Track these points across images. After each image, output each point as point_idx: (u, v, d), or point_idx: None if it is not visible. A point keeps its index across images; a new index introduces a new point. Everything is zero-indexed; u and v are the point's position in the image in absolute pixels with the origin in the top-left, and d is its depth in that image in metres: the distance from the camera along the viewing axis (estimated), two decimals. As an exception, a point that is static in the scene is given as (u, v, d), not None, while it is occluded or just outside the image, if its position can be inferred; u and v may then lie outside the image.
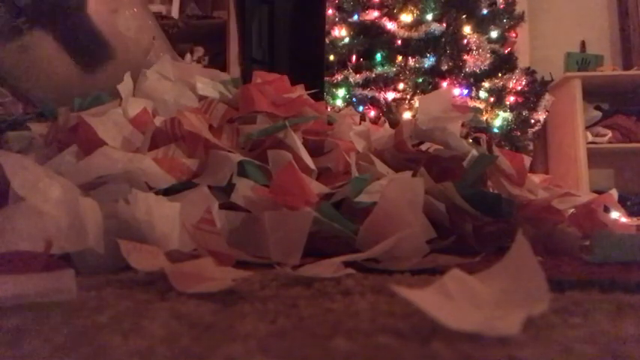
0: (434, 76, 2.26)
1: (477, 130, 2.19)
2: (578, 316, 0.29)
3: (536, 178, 0.78)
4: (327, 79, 2.17)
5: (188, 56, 2.84)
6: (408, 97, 2.20)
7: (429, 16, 2.30)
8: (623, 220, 0.77)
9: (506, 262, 0.28)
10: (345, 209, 0.59)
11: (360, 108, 2.20)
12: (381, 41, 2.29)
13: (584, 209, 0.69)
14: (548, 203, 0.63)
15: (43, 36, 0.85)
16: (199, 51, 2.87)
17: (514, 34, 2.55)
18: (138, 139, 0.66)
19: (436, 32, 2.25)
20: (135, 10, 0.94)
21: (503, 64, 2.37)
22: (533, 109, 2.35)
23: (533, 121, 2.37)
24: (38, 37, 0.85)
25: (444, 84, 2.24)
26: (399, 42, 2.28)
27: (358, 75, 2.23)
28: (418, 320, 0.26)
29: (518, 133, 2.34)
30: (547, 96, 2.41)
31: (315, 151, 0.71)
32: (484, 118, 2.25)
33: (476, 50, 2.26)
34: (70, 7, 0.87)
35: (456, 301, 0.26)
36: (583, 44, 3.13)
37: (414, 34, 2.25)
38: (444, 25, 2.27)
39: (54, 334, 0.25)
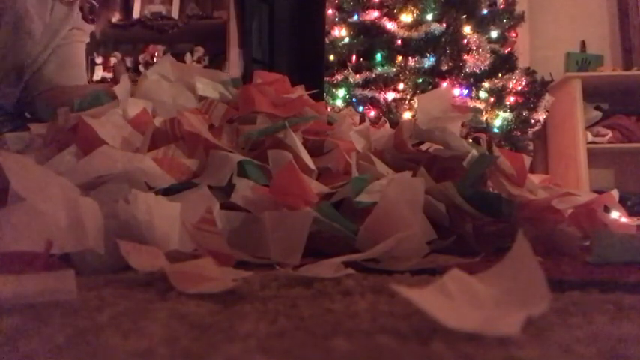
0: (434, 76, 2.26)
1: (477, 130, 2.19)
2: (578, 316, 0.29)
3: (536, 178, 0.77)
4: (327, 79, 2.17)
5: (188, 56, 2.84)
6: (408, 97, 2.20)
7: (429, 16, 2.30)
8: (623, 220, 0.77)
9: (506, 262, 0.28)
10: (345, 209, 0.59)
11: (360, 108, 2.20)
12: (381, 41, 2.29)
13: (584, 209, 0.69)
14: (548, 203, 0.63)
15: None
16: (199, 51, 2.87)
17: (514, 34, 2.55)
18: (137, 140, 0.66)
19: (436, 32, 2.25)
20: None
21: (503, 64, 2.37)
22: (533, 109, 2.36)
23: (533, 121, 2.37)
24: None
25: (444, 84, 2.24)
26: (399, 42, 2.29)
27: (358, 75, 2.24)
28: (418, 320, 0.26)
29: (519, 134, 2.35)
30: (547, 96, 2.41)
31: (315, 151, 0.71)
32: (484, 118, 2.26)
33: (476, 50, 2.26)
34: None
35: (456, 301, 0.26)
36: (583, 44, 3.13)
37: (414, 34, 2.25)
38: (444, 25, 2.27)
39: (54, 334, 0.25)
